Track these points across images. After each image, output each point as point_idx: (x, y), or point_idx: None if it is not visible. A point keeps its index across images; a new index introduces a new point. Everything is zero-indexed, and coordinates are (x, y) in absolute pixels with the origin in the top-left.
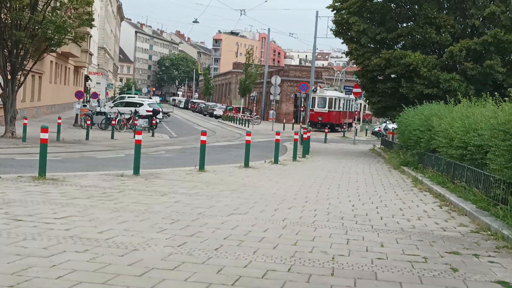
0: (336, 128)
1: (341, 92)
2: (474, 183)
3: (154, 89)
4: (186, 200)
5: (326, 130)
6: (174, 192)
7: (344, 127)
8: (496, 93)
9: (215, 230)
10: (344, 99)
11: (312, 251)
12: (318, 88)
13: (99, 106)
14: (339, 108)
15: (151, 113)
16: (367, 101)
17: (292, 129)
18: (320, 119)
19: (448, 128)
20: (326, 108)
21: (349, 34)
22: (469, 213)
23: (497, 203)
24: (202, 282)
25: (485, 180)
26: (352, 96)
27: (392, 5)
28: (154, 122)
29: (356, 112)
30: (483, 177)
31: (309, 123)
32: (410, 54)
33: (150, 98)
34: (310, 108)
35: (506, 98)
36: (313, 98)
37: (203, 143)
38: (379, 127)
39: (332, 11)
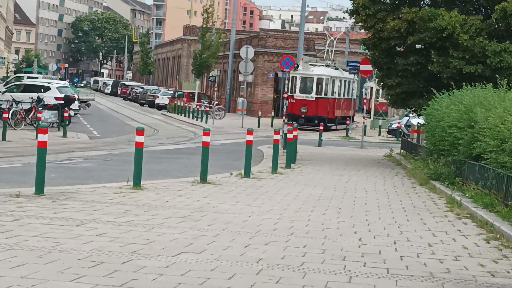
0: (329, 124)
1: (337, 69)
2: None
3: (67, 65)
4: (114, 232)
5: (321, 128)
6: (95, 220)
7: (347, 122)
8: None
9: (156, 277)
10: (341, 80)
11: None
12: (301, 62)
13: None
14: (333, 94)
15: (62, 102)
16: (381, 84)
17: (271, 126)
18: (304, 111)
19: (499, 124)
20: (313, 94)
21: None
22: None
23: None
24: None
25: None
26: (355, 77)
27: None
28: (66, 115)
29: (365, 101)
30: None
31: (287, 117)
32: (444, 14)
33: (61, 79)
34: (289, 93)
35: None
36: (293, 79)
37: (139, 147)
38: (399, 123)
39: None
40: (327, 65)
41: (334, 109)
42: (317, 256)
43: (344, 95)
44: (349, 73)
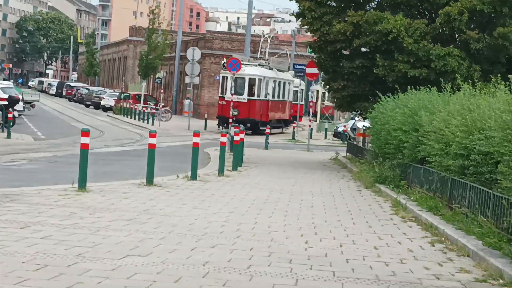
0: (262, 128)
1: (271, 69)
2: (480, 209)
3: (11, 65)
4: (59, 235)
5: (268, 131)
6: (40, 222)
7: (294, 125)
8: (511, 75)
9: (102, 281)
10: (275, 81)
11: None
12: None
13: None
14: (266, 96)
15: (6, 103)
16: (327, 87)
17: (218, 128)
18: (235, 113)
19: (443, 127)
20: (245, 96)
21: None
22: (472, 253)
23: None
24: None
25: (496, 204)
26: (293, 79)
27: None
28: (10, 116)
29: (311, 104)
30: (492, 199)
31: (218, 121)
32: (389, 18)
33: (5, 79)
34: (220, 95)
35: None
36: (224, 79)
37: (84, 149)
38: (345, 126)
39: None
40: (260, 65)
41: (268, 111)
42: (263, 259)
43: (279, 97)
44: (295, 76)
